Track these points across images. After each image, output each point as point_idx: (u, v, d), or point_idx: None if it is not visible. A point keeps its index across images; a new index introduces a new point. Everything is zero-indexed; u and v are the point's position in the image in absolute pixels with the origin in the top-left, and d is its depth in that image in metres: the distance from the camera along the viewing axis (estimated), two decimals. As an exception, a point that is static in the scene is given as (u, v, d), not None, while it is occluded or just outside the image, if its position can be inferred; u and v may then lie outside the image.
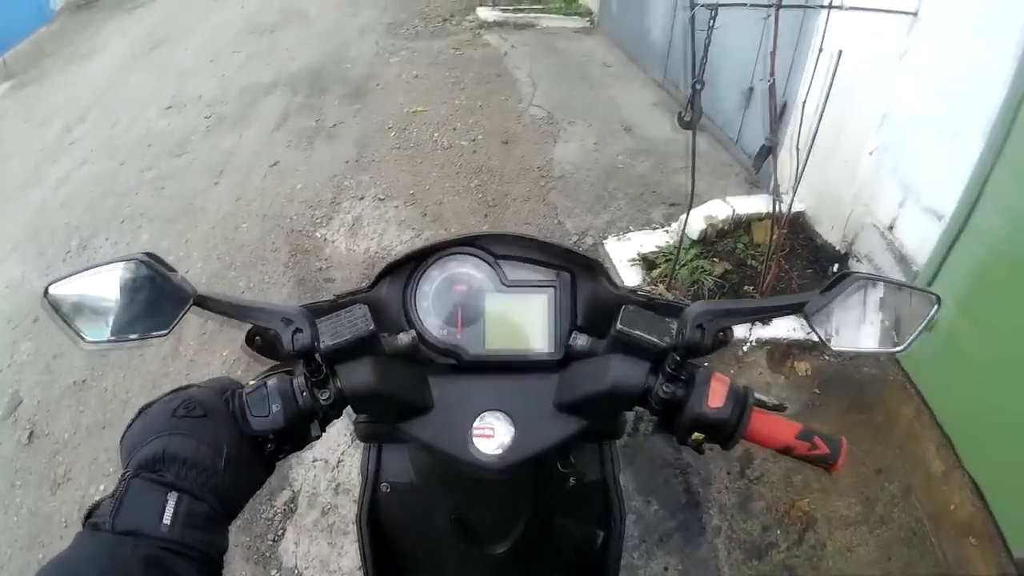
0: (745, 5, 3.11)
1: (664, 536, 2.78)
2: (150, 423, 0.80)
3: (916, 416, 3.14)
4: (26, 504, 3.05)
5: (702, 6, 2.98)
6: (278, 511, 2.91)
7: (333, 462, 3.09)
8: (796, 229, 4.12)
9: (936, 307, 0.88)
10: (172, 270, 0.84)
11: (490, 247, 1.05)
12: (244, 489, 0.82)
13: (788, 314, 0.88)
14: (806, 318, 0.85)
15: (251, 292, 4.05)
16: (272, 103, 6.56)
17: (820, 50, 3.16)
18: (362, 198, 4.94)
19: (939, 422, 3.07)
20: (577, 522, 1.27)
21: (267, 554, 2.78)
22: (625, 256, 4.09)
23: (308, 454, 3.11)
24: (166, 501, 0.72)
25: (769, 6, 3.09)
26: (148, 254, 0.83)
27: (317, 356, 0.84)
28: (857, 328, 0.89)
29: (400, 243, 4.42)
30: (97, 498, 0.74)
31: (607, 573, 1.30)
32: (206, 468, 0.76)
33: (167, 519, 0.71)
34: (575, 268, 1.05)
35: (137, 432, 0.80)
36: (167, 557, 0.69)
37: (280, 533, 2.84)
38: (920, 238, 3.27)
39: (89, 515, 0.73)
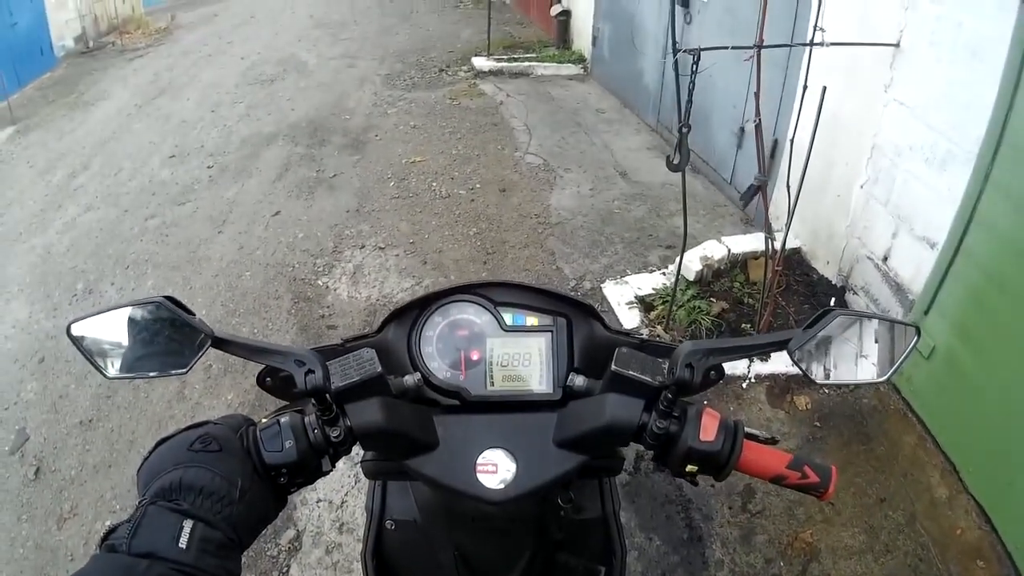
0: (727, 48, 3.19)
1: (667, 571, 2.80)
2: (167, 455, 0.83)
3: (918, 444, 3.16)
4: (32, 537, 3.07)
5: (685, 52, 3.07)
6: (283, 549, 2.93)
7: (337, 502, 3.12)
8: (792, 265, 4.18)
9: (916, 338, 0.93)
10: (190, 312, 0.89)
11: (490, 294, 1.11)
12: (257, 520, 0.85)
13: (773, 351, 0.94)
14: (790, 354, 0.89)
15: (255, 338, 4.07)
16: (273, 153, 6.65)
17: (805, 87, 3.22)
18: (363, 247, 5.01)
19: (942, 448, 3.10)
20: (579, 558, 1.28)
21: (272, 592, 2.81)
22: (623, 299, 4.14)
23: (312, 495, 3.14)
24: (182, 527, 0.74)
25: (750, 47, 3.18)
26: (167, 297, 0.88)
27: (328, 396, 0.88)
28: (840, 361, 0.94)
29: (401, 291, 4.47)
30: (113, 523, 0.77)
31: None
32: (221, 498, 0.79)
33: (183, 543, 0.73)
34: (571, 312, 1.11)
35: (155, 463, 0.83)
36: None
37: (285, 571, 2.86)
38: (915, 267, 3.32)
39: (106, 538, 0.75)
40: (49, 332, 4.30)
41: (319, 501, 3.13)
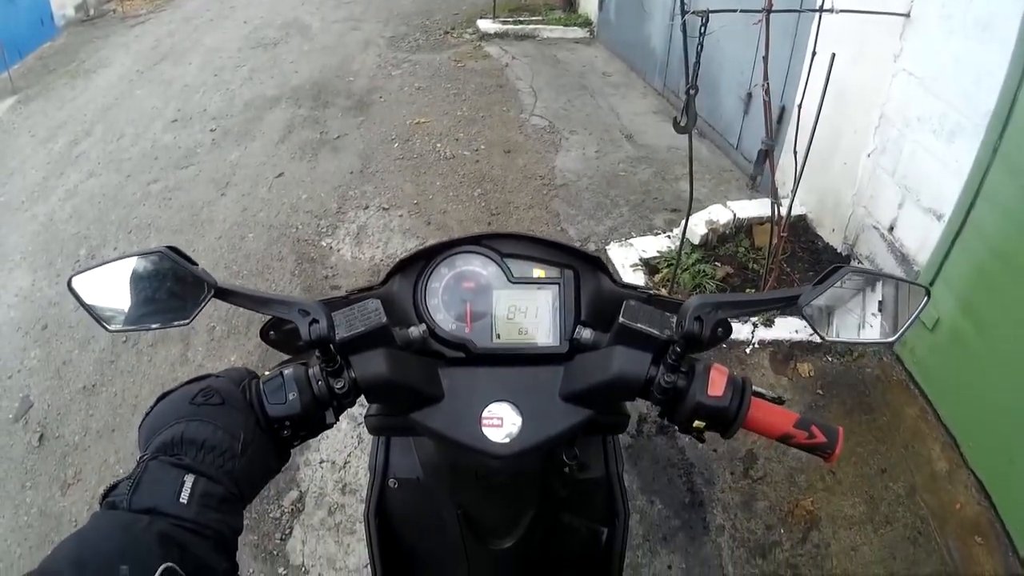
0: (735, 11, 3.14)
1: (668, 535, 2.80)
2: (169, 410, 0.83)
3: (920, 416, 3.14)
4: (36, 504, 3.07)
5: (693, 13, 3.02)
6: (285, 510, 2.94)
7: (340, 463, 3.12)
8: (797, 232, 4.15)
9: (926, 299, 0.91)
10: (193, 262, 0.87)
11: (497, 246, 1.08)
12: (260, 474, 0.85)
13: (783, 306, 0.91)
14: (800, 310, 0.88)
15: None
16: (276, 116, 6.60)
17: (814, 53, 3.19)
18: (367, 208, 4.98)
19: (943, 421, 3.07)
20: (581, 519, 1.29)
21: (274, 552, 2.80)
22: (627, 261, 4.11)
23: (315, 455, 3.14)
24: (183, 482, 0.74)
25: (759, 11, 3.14)
26: (169, 247, 0.87)
27: (332, 346, 0.87)
28: (849, 320, 0.92)
29: (405, 251, 4.42)
30: (115, 480, 0.76)
31: (611, 569, 1.32)
32: (223, 452, 0.79)
33: (184, 498, 0.73)
34: (578, 265, 1.09)
35: (156, 418, 0.82)
36: (182, 534, 0.71)
37: (287, 532, 2.87)
38: (920, 238, 3.29)
39: (106, 495, 0.75)
40: (52, 299, 4.30)
41: (322, 462, 3.13)
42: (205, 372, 0.91)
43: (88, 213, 5.20)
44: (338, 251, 4.53)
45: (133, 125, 6.65)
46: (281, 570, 2.75)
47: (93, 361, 3.79)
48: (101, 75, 8.00)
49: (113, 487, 0.75)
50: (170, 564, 0.66)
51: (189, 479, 0.74)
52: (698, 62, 2.96)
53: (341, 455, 3.15)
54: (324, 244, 4.61)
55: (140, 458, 0.77)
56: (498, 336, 1.05)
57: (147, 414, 0.84)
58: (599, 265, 1.10)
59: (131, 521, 0.69)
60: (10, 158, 6.30)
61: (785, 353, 3.48)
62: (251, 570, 2.75)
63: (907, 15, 3.27)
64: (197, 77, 7.68)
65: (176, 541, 0.69)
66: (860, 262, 3.80)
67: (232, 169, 5.67)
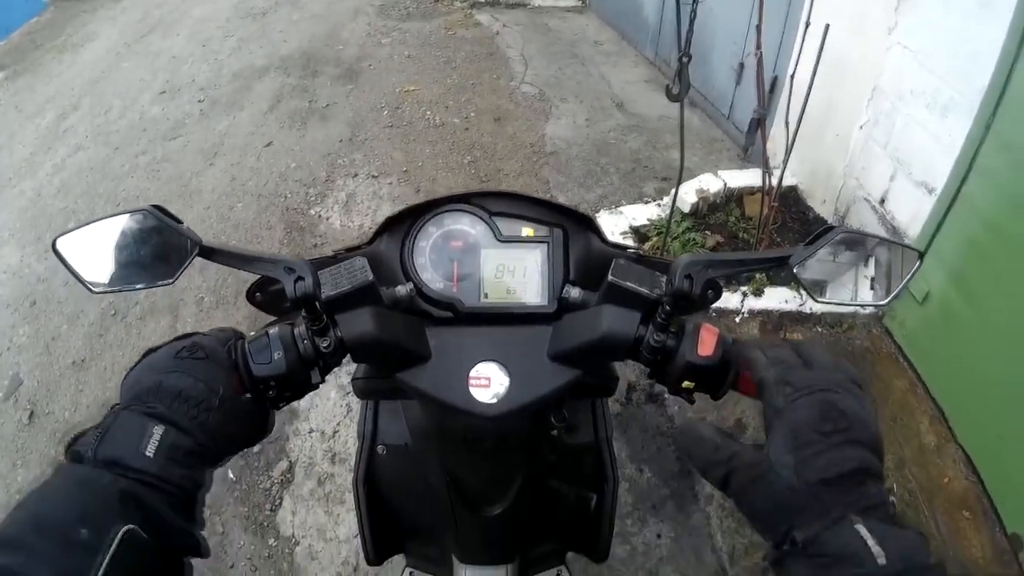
0: None
1: (657, 504, 2.82)
2: (152, 363, 0.82)
3: (909, 389, 3.15)
4: (28, 483, 3.06)
5: None
6: (275, 481, 2.95)
7: (329, 432, 3.12)
8: (788, 203, 4.15)
9: (918, 263, 0.90)
10: (178, 220, 0.85)
11: (485, 204, 1.06)
12: (236, 435, 0.83)
13: (774, 266, 0.89)
14: (791, 270, 0.86)
15: (246, 269, 4.06)
16: (265, 86, 6.54)
17: (808, 24, 3.17)
18: (355, 176, 4.96)
19: (932, 395, 3.09)
20: (571, 484, 1.29)
21: (264, 523, 2.82)
22: (617, 229, 4.10)
23: (304, 425, 3.14)
24: (152, 433, 0.73)
25: None
26: (154, 206, 0.85)
27: (318, 304, 0.86)
28: (841, 281, 0.91)
29: (394, 215, 4.41)
30: (83, 427, 0.76)
31: (601, 534, 1.32)
32: (198, 403, 0.77)
33: (149, 450, 0.72)
34: (568, 224, 1.07)
35: (138, 372, 0.81)
36: (145, 492, 0.69)
37: (277, 503, 2.89)
38: (912, 211, 3.29)
39: (73, 442, 0.74)
40: (40, 275, 4.28)
41: (311, 432, 3.14)
42: None
43: (76, 187, 5.17)
44: (327, 219, 4.52)
45: (121, 98, 6.58)
46: (271, 541, 2.77)
47: (82, 335, 3.78)
48: (88, 49, 7.91)
49: (80, 435, 0.74)
50: (130, 526, 0.66)
51: (158, 430, 0.73)
52: (691, 29, 2.93)
53: (330, 424, 3.15)
54: (313, 212, 4.59)
55: (112, 407, 0.76)
56: (486, 295, 1.04)
57: (131, 369, 0.83)
58: (589, 224, 1.09)
59: (93, 477, 0.68)
60: (-3, 134, 6.25)
61: (775, 323, 3.48)
62: (241, 542, 2.77)
63: None
64: (185, 48, 7.59)
65: (138, 500, 0.69)
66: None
67: (220, 139, 5.63)
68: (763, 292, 3.54)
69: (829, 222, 3.86)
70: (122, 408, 0.76)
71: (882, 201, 3.52)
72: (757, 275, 3.53)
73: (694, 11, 2.90)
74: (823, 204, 4.07)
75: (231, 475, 2.98)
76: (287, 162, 5.19)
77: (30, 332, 3.88)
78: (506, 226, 1.05)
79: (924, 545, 0.63)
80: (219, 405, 0.79)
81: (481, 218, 1.05)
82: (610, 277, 0.90)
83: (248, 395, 0.86)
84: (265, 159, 5.27)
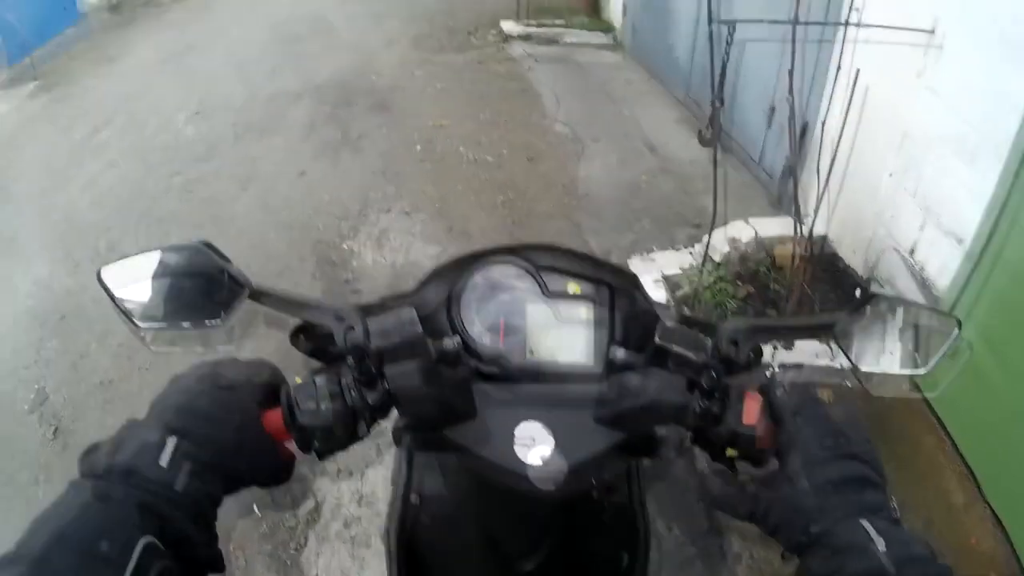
0: (763, 22, 3.13)
1: (685, 562, 2.78)
2: (178, 387, 0.83)
3: (938, 446, 3.11)
4: (48, 498, 3.02)
5: (721, 22, 3.00)
6: (300, 520, 2.93)
7: (358, 474, 3.11)
8: (818, 252, 4.11)
9: (956, 331, 0.91)
10: (227, 260, 0.86)
11: (533, 257, 1.06)
12: (248, 464, 0.83)
13: (818, 334, 0.92)
14: (835, 338, 0.88)
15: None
16: (299, 112, 6.59)
17: (839, 69, 3.17)
18: (388, 211, 4.97)
19: (961, 453, 3.04)
20: (604, 543, 1.27)
21: (288, 562, 2.80)
22: (649, 276, 4.07)
23: (332, 466, 3.13)
24: (165, 443, 0.73)
25: (787, 23, 3.11)
26: (204, 242, 0.85)
27: (366, 355, 0.85)
28: (882, 350, 0.92)
29: (426, 257, 4.44)
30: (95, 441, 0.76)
31: None
32: (215, 424, 0.78)
33: (164, 461, 0.72)
34: (614, 282, 1.06)
35: (163, 395, 0.82)
36: (162, 504, 0.70)
37: (302, 542, 2.86)
38: (941, 261, 3.25)
39: (86, 455, 0.75)
40: (70, 290, 4.30)
41: (339, 472, 3.12)
42: None
43: (108, 204, 5.20)
44: (359, 254, 4.52)
45: (155, 116, 6.63)
46: (294, 582, 2.75)
47: (111, 355, 3.78)
48: (124, 64, 7.98)
49: (93, 447, 0.75)
50: (150, 538, 0.67)
51: (171, 441, 0.74)
52: (724, 74, 2.94)
53: (359, 466, 3.13)
54: (345, 247, 4.60)
55: (127, 421, 0.77)
56: (531, 352, 1.03)
57: (159, 393, 0.83)
58: (634, 283, 1.08)
59: (109, 491, 0.69)
60: (30, 146, 6.28)
61: (805, 376, 3.44)
62: (265, 579, 2.75)
63: (932, 31, 3.22)
64: (220, 70, 7.65)
65: (155, 512, 0.69)
66: (881, 285, 3.75)
67: (254, 165, 5.67)
68: (794, 345, 3.51)
69: (859, 272, 3.86)
70: (136, 422, 0.77)
71: (912, 251, 3.47)
72: None
73: (727, 55, 2.91)
74: (853, 254, 4.02)
75: (256, 510, 2.97)
76: (320, 193, 5.20)
77: (58, 347, 3.89)
78: (553, 281, 1.05)
79: (924, 544, 0.73)
80: (236, 431, 0.79)
81: (528, 272, 1.05)
82: (657, 340, 0.91)
83: (292, 440, 0.87)
84: (298, 189, 5.29)
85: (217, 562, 0.77)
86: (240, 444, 0.80)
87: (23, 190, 5.51)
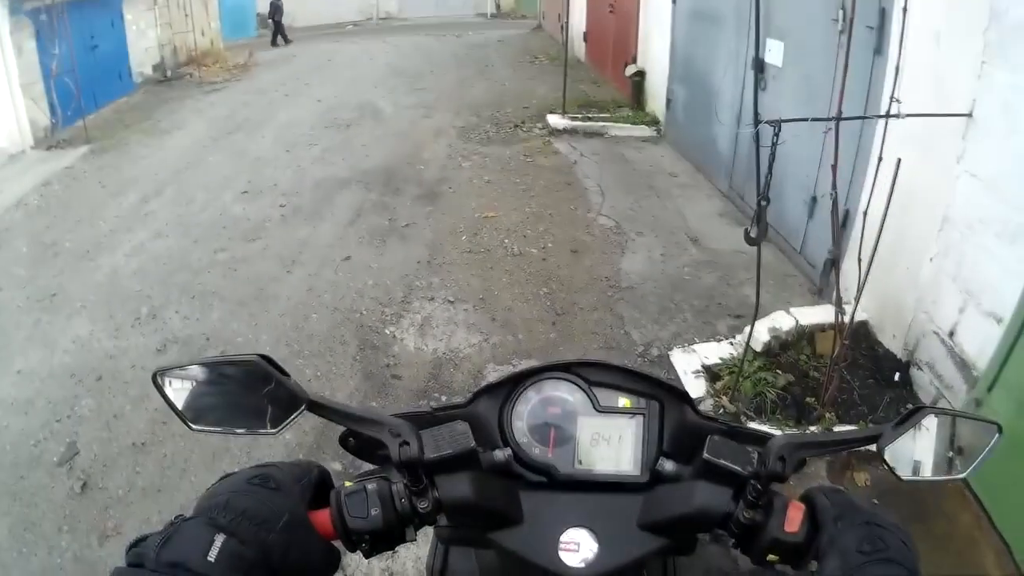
0: (807, 120, 3.16)
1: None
2: (225, 485, 0.83)
3: (974, 523, 3.08)
4: (72, 550, 3.05)
5: (766, 123, 3.03)
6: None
7: (388, 552, 3.05)
8: (858, 338, 4.08)
9: (997, 436, 0.92)
10: (286, 374, 0.86)
11: (585, 373, 1.07)
12: (295, 563, 0.82)
13: (862, 445, 0.92)
14: (879, 451, 0.88)
15: (318, 382, 4.07)
16: (346, 198, 6.72)
17: (880, 159, 3.18)
18: (432, 299, 4.99)
19: (997, 528, 3.00)
20: None
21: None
22: (690, 368, 4.08)
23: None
24: (213, 540, 0.73)
25: (829, 119, 3.14)
26: (263, 356, 0.85)
27: (419, 468, 0.86)
28: (924, 458, 0.93)
29: (468, 346, 4.43)
30: (144, 532, 0.76)
31: None
32: (261, 523, 0.78)
33: (212, 556, 0.71)
34: (664, 396, 1.08)
35: (211, 491, 0.82)
36: None
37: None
38: (981, 343, 3.23)
39: (134, 546, 0.74)
40: (109, 352, 4.34)
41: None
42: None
43: (152, 272, 5.30)
44: (401, 340, 4.52)
45: (204, 191, 6.81)
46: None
47: (146, 420, 3.78)
48: (175, 137, 8.23)
49: (141, 539, 0.74)
50: None
51: (219, 538, 0.73)
52: (770, 172, 2.96)
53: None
54: (388, 332, 4.60)
55: (175, 517, 0.77)
56: (580, 462, 1.04)
57: (207, 490, 0.84)
58: (684, 398, 1.09)
59: None
60: (80, 206, 6.46)
61: (842, 462, 3.41)
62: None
63: (970, 115, 3.25)
64: (269, 151, 7.87)
65: None
66: (920, 368, 3.73)
67: (300, 247, 5.75)
68: (832, 430, 3.43)
69: (899, 357, 3.86)
70: (187, 519, 0.76)
71: (951, 334, 3.45)
72: (827, 414, 3.51)
73: (773, 154, 2.92)
74: (893, 339, 4.00)
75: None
76: (364, 279, 5.25)
77: (92, 406, 3.90)
78: (604, 396, 1.06)
79: None
80: (281, 530, 0.79)
81: (580, 387, 1.06)
82: (706, 455, 0.91)
83: (337, 540, 0.86)
84: (343, 273, 5.35)
85: None
86: (287, 544, 0.80)
87: (71, 248, 5.63)
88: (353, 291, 5.08)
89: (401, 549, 2.94)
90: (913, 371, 3.80)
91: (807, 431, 3.47)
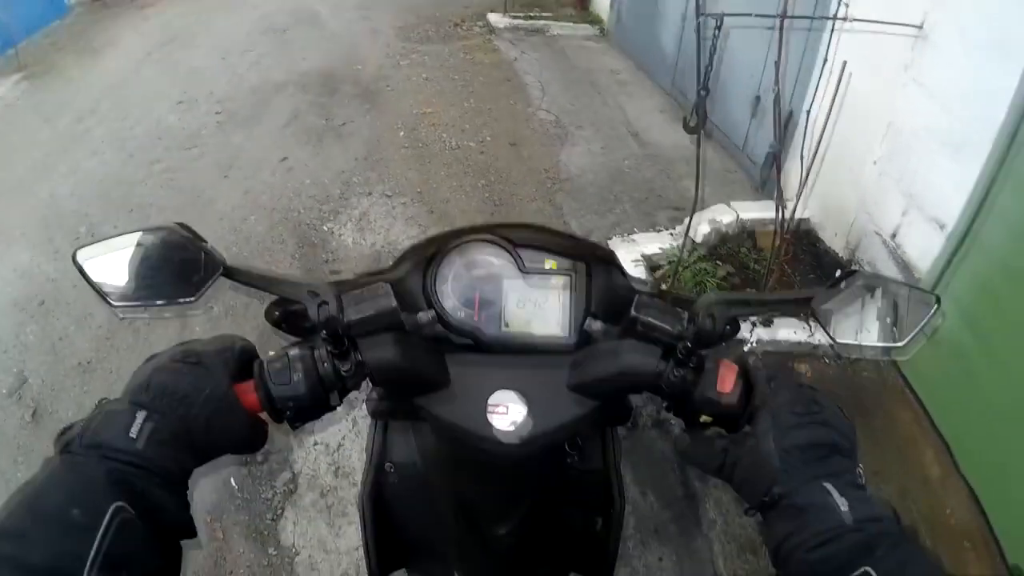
0: (750, 16, 3.15)
1: (659, 527, 2.79)
2: (150, 366, 0.84)
3: (914, 421, 3.14)
4: (26, 478, 3.04)
5: (708, 16, 3.02)
6: (277, 491, 2.93)
7: (333, 445, 3.11)
8: (800, 236, 4.14)
9: (935, 307, 0.90)
10: (202, 239, 0.86)
11: (509, 235, 1.05)
12: (218, 435, 0.84)
13: (795, 309, 0.91)
14: (813, 313, 0.88)
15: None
16: (282, 101, 6.57)
17: (825, 61, 3.20)
18: (370, 194, 4.96)
19: (937, 428, 3.08)
20: (578, 508, 1.29)
21: (265, 532, 2.80)
22: (629, 257, 4.09)
23: (309, 438, 3.13)
24: (134, 418, 0.75)
25: (774, 17, 3.13)
26: (179, 223, 0.86)
27: (339, 329, 0.86)
28: (860, 326, 0.92)
29: (407, 238, 4.43)
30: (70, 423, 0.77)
31: (605, 558, 1.32)
32: (181, 399, 0.79)
33: (133, 433, 0.73)
34: (590, 259, 1.06)
35: (137, 374, 0.83)
36: (132, 472, 0.71)
37: (279, 512, 2.87)
38: (922, 247, 3.29)
39: (61, 435, 0.76)
40: (50, 275, 4.28)
41: (316, 444, 3.13)
42: None
43: (89, 191, 5.18)
44: (339, 236, 4.51)
45: (138, 106, 6.60)
46: (271, 551, 2.75)
47: (90, 338, 3.77)
48: (109, 55, 7.94)
49: (68, 428, 0.76)
50: (120, 503, 0.68)
51: (140, 415, 0.75)
52: (710, 65, 2.96)
53: (335, 438, 3.14)
54: (326, 229, 4.59)
55: (99, 401, 0.79)
56: (507, 325, 1.04)
57: (134, 373, 0.84)
58: (611, 260, 1.07)
59: (81, 463, 0.71)
60: (13, 135, 6.24)
61: (783, 354, 3.46)
62: (241, 550, 2.75)
63: (920, 27, 3.26)
64: (205, 60, 7.63)
65: (126, 480, 0.71)
66: (861, 267, 3.77)
67: (236, 152, 5.65)
68: (772, 323, 3.53)
69: (840, 255, 3.89)
70: (109, 401, 0.79)
71: (893, 236, 3.52)
72: None
73: (714, 47, 2.93)
74: (835, 237, 4.06)
75: (233, 483, 2.97)
76: (301, 178, 5.20)
77: (37, 331, 3.87)
78: (530, 258, 1.05)
79: (887, 505, 0.75)
80: (203, 404, 0.80)
81: (505, 249, 1.04)
82: (633, 312, 0.91)
83: (263, 413, 0.88)
84: (280, 174, 5.28)
85: (188, 528, 0.79)
86: (209, 416, 0.81)
87: (5, 178, 5.48)
88: (290, 191, 5.03)
89: (347, 443, 3.03)
90: (854, 268, 3.84)
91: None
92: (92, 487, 0.68)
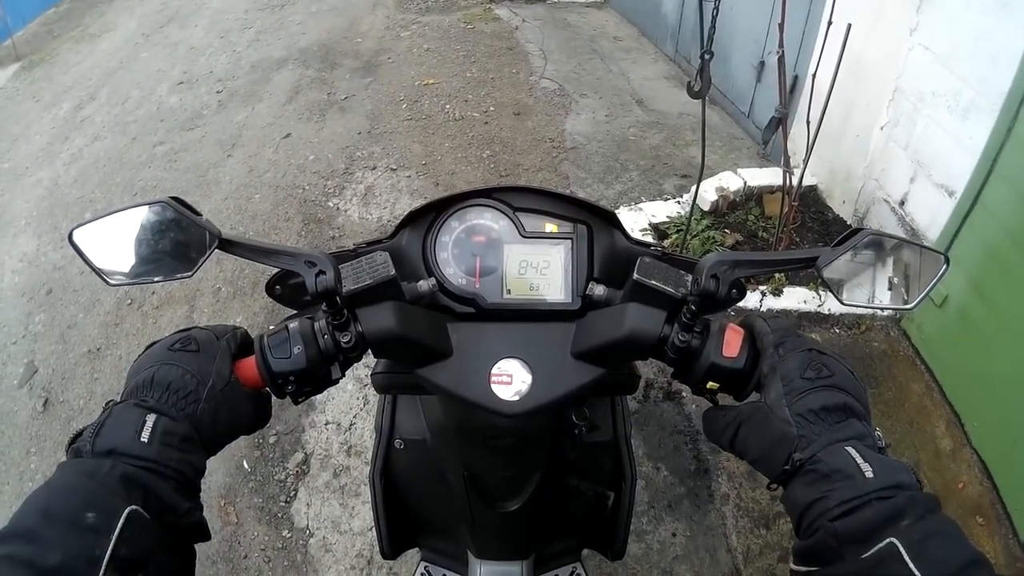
0: None
1: (673, 502, 2.79)
2: (149, 356, 0.84)
3: (925, 392, 3.12)
4: (41, 470, 3.07)
5: None
6: (290, 473, 2.93)
7: (345, 425, 3.10)
8: (808, 203, 4.12)
9: (944, 267, 0.88)
10: (197, 213, 0.84)
11: (508, 199, 1.04)
12: (228, 424, 0.84)
13: (800, 267, 0.87)
14: (818, 271, 0.84)
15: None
16: (283, 77, 6.53)
17: (830, 23, 3.14)
18: (374, 168, 4.93)
19: (948, 399, 3.06)
20: (588, 482, 1.28)
21: (279, 515, 2.81)
22: (636, 225, 4.07)
23: (320, 417, 3.13)
24: (144, 421, 0.74)
25: None
26: (173, 197, 0.84)
27: (338, 299, 0.84)
28: (867, 284, 0.89)
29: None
30: (80, 426, 0.76)
31: (617, 532, 1.32)
32: (186, 395, 0.79)
33: (144, 437, 0.73)
34: (592, 220, 1.05)
35: (137, 365, 0.83)
36: (145, 475, 0.71)
37: (292, 494, 2.87)
38: (931, 213, 3.26)
39: (72, 442, 0.75)
40: (56, 263, 4.29)
41: (327, 424, 3.12)
42: None
43: (93, 176, 5.18)
44: (345, 211, 4.49)
45: (138, 88, 6.59)
46: (285, 532, 2.75)
47: (98, 324, 3.78)
48: (106, 39, 7.92)
49: (78, 434, 0.76)
50: (134, 507, 0.68)
51: (150, 418, 0.75)
52: (714, 27, 2.91)
53: (347, 417, 3.13)
54: (331, 204, 4.57)
55: (107, 403, 0.78)
56: (508, 291, 1.02)
57: (133, 363, 0.84)
58: (613, 221, 1.06)
59: (94, 467, 0.70)
60: (14, 124, 6.25)
61: (793, 322, 3.43)
62: (255, 533, 2.76)
63: None
64: (203, 39, 7.59)
65: (139, 482, 0.71)
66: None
67: (238, 130, 5.63)
68: (782, 292, 3.51)
69: (848, 222, 3.88)
70: (115, 404, 0.77)
71: (902, 203, 3.49)
72: (777, 275, 3.50)
73: (717, 9, 2.88)
74: (842, 204, 4.03)
75: (246, 465, 2.98)
76: (305, 154, 5.17)
77: (46, 320, 3.88)
78: (530, 222, 1.04)
79: (911, 471, 0.72)
80: (208, 396, 0.81)
81: (504, 213, 1.04)
82: (635, 275, 0.88)
83: (266, 388, 0.88)
84: (283, 151, 5.25)
85: (202, 530, 0.79)
86: (216, 406, 0.81)
87: (9, 168, 5.48)
88: (294, 167, 5.01)
89: (359, 421, 3.02)
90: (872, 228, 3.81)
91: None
92: (106, 491, 0.68)
